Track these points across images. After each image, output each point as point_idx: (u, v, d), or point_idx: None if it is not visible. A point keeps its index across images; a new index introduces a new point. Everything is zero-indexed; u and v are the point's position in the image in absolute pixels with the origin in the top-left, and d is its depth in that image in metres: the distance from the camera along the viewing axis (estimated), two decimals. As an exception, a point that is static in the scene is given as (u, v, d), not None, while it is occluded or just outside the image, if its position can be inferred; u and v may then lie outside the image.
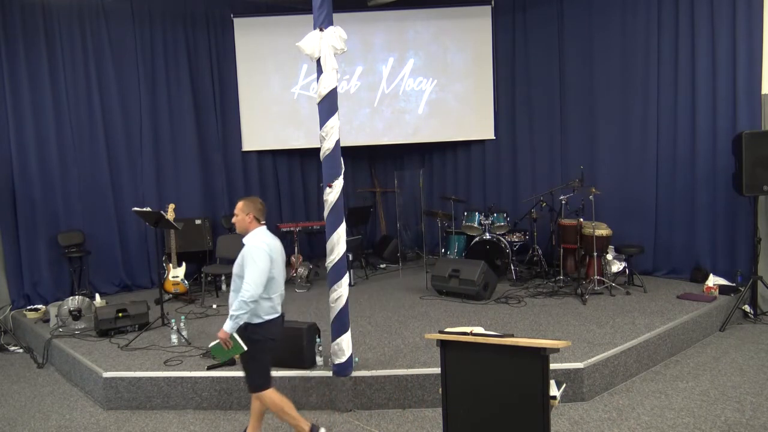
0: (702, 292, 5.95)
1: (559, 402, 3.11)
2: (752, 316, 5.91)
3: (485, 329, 3.09)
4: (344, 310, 4.13)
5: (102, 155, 7.29)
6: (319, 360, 4.43)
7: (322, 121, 4.10)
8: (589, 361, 4.26)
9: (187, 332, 5.19)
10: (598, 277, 6.27)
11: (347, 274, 4.23)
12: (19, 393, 4.87)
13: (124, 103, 7.45)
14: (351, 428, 3.97)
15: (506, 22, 8.22)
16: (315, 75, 4.34)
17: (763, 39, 5.96)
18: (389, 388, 4.22)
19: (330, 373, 4.23)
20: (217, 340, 3.40)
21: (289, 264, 7.50)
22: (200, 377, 4.37)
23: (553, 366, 3.87)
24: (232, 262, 3.70)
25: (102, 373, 4.48)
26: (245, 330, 3.42)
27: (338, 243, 4.12)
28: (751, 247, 5.95)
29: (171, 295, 6.85)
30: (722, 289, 5.97)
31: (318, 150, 4.22)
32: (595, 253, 6.25)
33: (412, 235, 9.39)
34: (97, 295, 6.50)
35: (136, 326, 5.54)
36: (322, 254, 5.62)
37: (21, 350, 5.99)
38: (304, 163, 8.98)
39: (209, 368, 4.42)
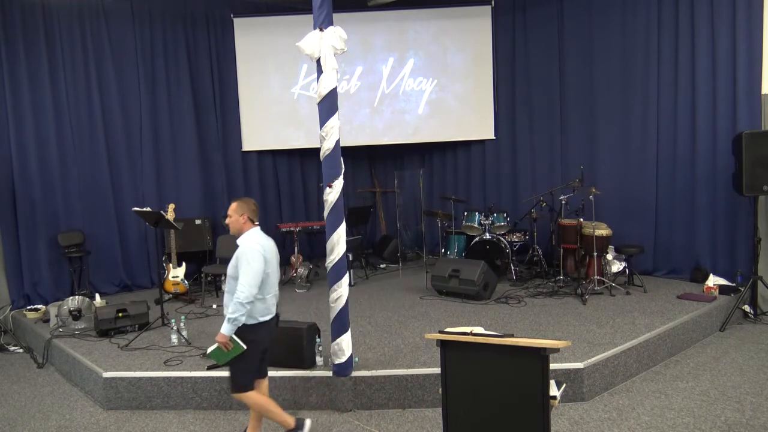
0: (702, 292, 5.95)
1: (559, 402, 3.11)
2: (752, 316, 5.92)
3: (485, 329, 3.09)
4: (344, 310, 4.13)
5: (102, 155, 7.29)
6: (319, 360, 4.43)
7: (322, 121, 4.10)
8: (589, 361, 4.26)
9: (187, 332, 5.19)
10: (598, 277, 6.27)
11: (347, 274, 4.23)
12: (19, 393, 4.87)
13: (124, 103, 7.46)
14: (351, 428, 3.97)
15: (506, 22, 8.22)
16: (315, 75, 4.34)
17: (763, 39, 5.96)
18: (389, 388, 4.22)
19: (330, 373, 4.23)
20: (216, 345, 3.39)
21: (289, 264, 7.50)
22: (200, 377, 4.37)
23: (553, 366, 3.87)
24: (231, 262, 3.70)
25: (102, 373, 4.48)
26: (240, 331, 3.42)
27: (338, 243, 4.12)
28: (751, 247, 5.96)
29: (171, 295, 6.85)
30: (722, 289, 5.97)
31: (318, 150, 4.22)
32: (595, 253, 6.25)
33: (412, 235, 9.39)
34: (97, 295, 6.50)
35: (136, 326, 5.54)
36: (322, 254, 5.62)
37: (21, 350, 5.99)
38: (304, 163, 8.98)
39: (209, 368, 4.42)
